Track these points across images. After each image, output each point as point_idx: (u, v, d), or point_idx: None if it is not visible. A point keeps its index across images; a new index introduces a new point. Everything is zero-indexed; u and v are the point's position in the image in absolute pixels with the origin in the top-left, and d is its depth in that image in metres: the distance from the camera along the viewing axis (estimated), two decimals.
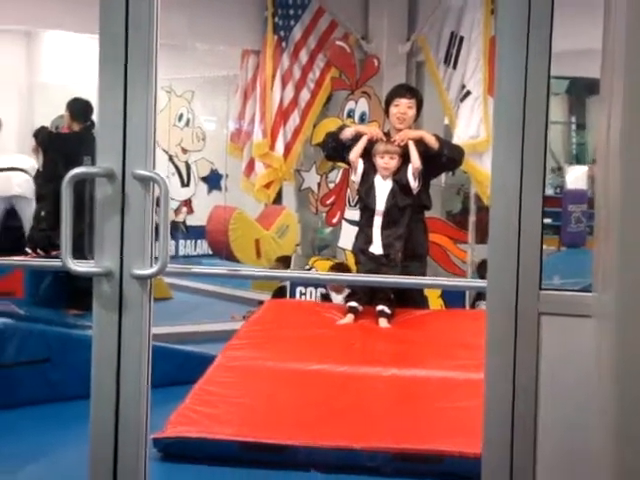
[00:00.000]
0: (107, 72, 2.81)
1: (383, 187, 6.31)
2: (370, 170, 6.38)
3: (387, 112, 6.51)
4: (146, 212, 2.79)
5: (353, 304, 6.32)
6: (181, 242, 13.80)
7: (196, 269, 2.80)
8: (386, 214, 6.28)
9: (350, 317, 6.28)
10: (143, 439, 2.86)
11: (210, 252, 12.92)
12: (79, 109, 9.55)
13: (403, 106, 6.36)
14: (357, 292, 6.37)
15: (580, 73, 10.40)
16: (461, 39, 8.35)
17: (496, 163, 2.69)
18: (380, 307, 6.21)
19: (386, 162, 6.29)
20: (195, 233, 14.00)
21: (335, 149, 6.57)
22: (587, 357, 2.53)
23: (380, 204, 6.29)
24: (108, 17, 2.79)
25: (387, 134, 6.42)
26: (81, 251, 2.83)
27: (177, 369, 5.98)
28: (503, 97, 2.65)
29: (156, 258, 2.80)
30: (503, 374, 2.65)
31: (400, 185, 6.28)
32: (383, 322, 6.20)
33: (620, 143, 1.56)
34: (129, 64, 2.79)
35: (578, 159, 15.71)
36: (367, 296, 6.28)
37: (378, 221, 6.30)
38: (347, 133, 6.48)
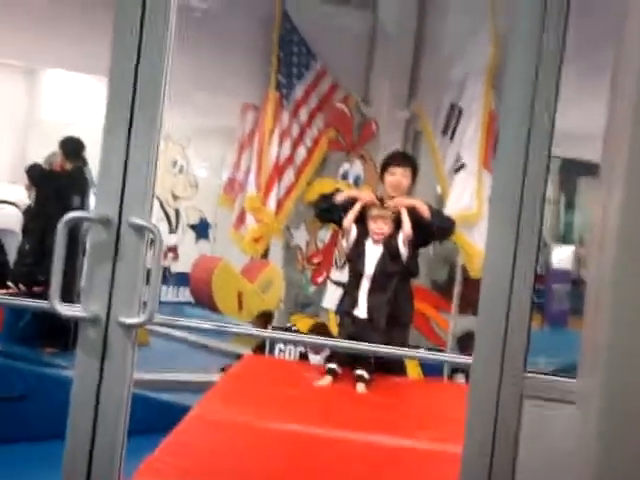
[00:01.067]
0: (113, 118, 2.82)
1: (373, 252, 6.32)
2: (362, 234, 6.39)
3: (382, 178, 6.53)
4: (139, 260, 2.79)
5: (332, 366, 6.29)
6: (164, 288, 13.77)
7: (183, 321, 2.79)
8: (374, 279, 6.27)
9: (328, 379, 6.25)
10: None
11: (192, 301, 12.88)
12: (72, 148, 9.58)
13: (398, 175, 6.39)
14: (337, 354, 6.35)
15: (571, 155, 10.48)
16: (460, 110, 8.41)
17: (491, 240, 2.70)
18: (359, 372, 6.18)
19: (379, 227, 6.30)
20: (179, 280, 13.97)
21: (327, 211, 6.58)
22: (569, 444, 2.52)
23: (369, 268, 6.29)
24: (119, 62, 2.81)
25: (381, 199, 6.44)
26: (66, 292, 2.81)
27: (151, 417, 5.94)
28: (502, 172, 2.68)
29: (144, 304, 2.79)
30: (482, 450, 2.64)
31: (390, 251, 6.29)
32: (360, 387, 6.17)
33: (620, 221, 1.56)
34: (135, 112, 2.80)
35: (565, 239, 15.78)
36: (347, 358, 6.26)
37: (366, 285, 6.29)
38: (340, 197, 6.49)
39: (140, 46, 2.79)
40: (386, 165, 6.51)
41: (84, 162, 9.56)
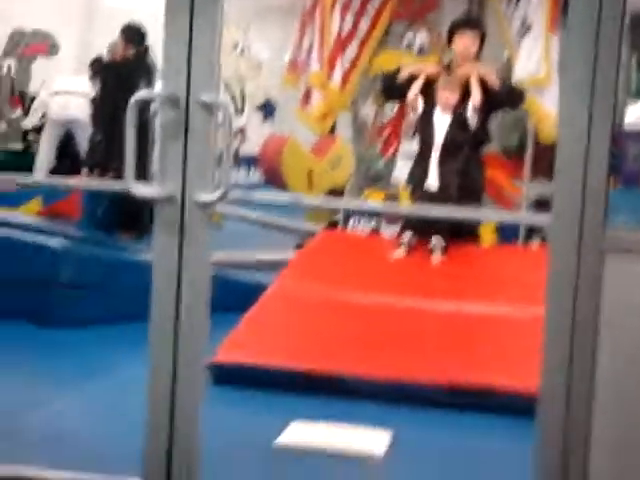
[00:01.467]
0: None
1: (442, 121, 6.25)
2: (429, 104, 6.31)
3: (449, 43, 6.40)
4: (209, 138, 2.78)
5: (406, 237, 6.28)
6: (234, 170, 13.82)
7: (258, 196, 2.79)
8: (444, 148, 6.22)
9: (402, 250, 6.24)
10: (201, 362, 2.90)
11: (261, 181, 12.92)
12: (132, 34, 9.57)
13: (467, 38, 6.25)
14: (410, 225, 6.32)
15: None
16: None
17: (565, 97, 2.64)
18: (434, 240, 6.16)
19: (447, 96, 6.21)
20: (247, 162, 14.01)
21: (392, 89, 6.50)
22: None
23: (439, 138, 6.23)
24: None
25: (448, 67, 6.33)
26: (139, 175, 2.83)
27: (228, 296, 6.00)
28: (574, 30, 2.60)
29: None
30: (563, 312, 2.63)
31: (459, 120, 6.21)
32: (436, 256, 6.16)
33: None
34: None
35: (637, 96, 15.42)
36: (421, 229, 6.24)
37: (436, 155, 6.25)
38: (404, 74, 6.40)
39: None
40: (453, 30, 6.36)
41: (146, 48, 9.54)
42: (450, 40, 6.38)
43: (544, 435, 2.67)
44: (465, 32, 6.27)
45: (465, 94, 6.21)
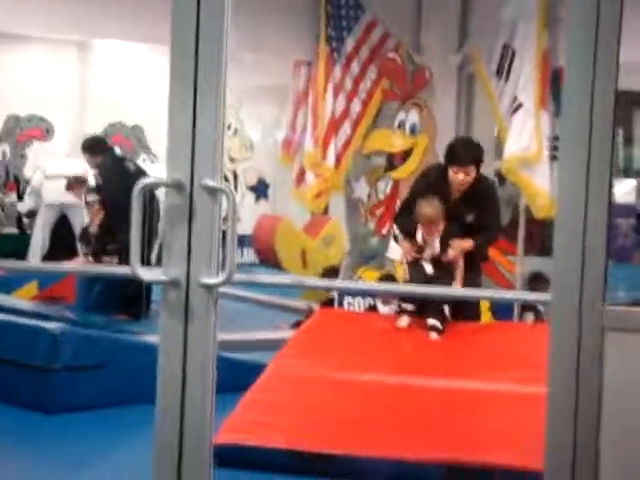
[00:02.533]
0: (177, 83, 2.84)
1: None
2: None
3: (446, 166, 6.41)
4: (213, 222, 2.83)
5: (409, 307, 6.30)
6: None
7: (262, 279, 2.83)
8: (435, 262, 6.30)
9: (406, 319, 6.27)
10: (207, 446, 2.90)
11: (256, 261, 12.97)
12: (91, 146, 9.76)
13: (462, 174, 6.29)
14: (409, 300, 6.34)
15: (625, 86, 10.30)
16: (513, 51, 8.32)
17: (563, 175, 2.69)
18: (431, 322, 6.19)
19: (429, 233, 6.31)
20: (240, 241, 14.06)
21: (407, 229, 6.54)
22: None
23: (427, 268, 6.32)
24: (179, 29, 2.83)
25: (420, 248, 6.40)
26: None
27: (228, 376, 5.99)
28: (570, 110, 2.66)
29: (222, 266, 2.83)
30: (566, 388, 2.65)
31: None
32: (433, 335, 6.19)
33: None
34: (199, 75, 2.82)
35: (625, 172, 15.60)
36: (420, 306, 6.27)
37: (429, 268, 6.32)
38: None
39: (199, 8, 2.81)
40: (449, 162, 6.36)
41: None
42: (447, 164, 6.39)
43: None
44: (460, 169, 6.28)
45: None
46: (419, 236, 6.32)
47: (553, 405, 2.67)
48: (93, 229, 9.59)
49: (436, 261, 6.27)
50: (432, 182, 6.38)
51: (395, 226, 6.55)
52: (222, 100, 2.85)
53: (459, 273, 6.21)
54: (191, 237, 2.83)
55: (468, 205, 6.28)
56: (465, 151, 6.41)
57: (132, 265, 2.80)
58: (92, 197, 9.65)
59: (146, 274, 2.84)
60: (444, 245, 6.21)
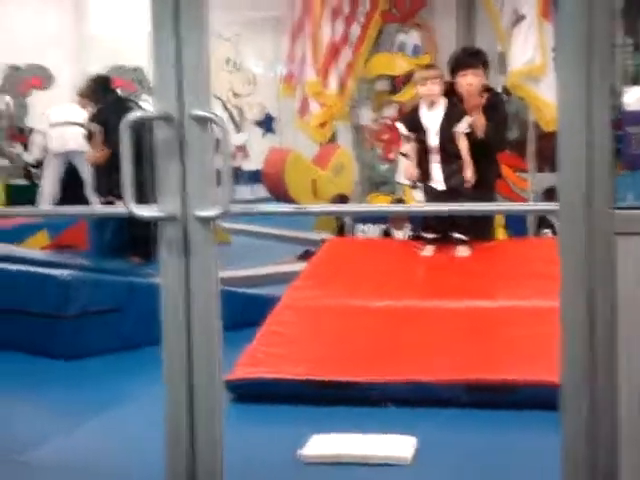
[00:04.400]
0: (159, 14, 2.77)
1: (432, 119, 6.16)
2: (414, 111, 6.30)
3: (453, 76, 6.30)
4: (206, 153, 2.76)
5: (431, 235, 6.22)
6: (237, 187, 13.81)
7: (260, 208, 2.76)
8: (442, 148, 6.14)
9: (430, 248, 6.19)
10: (217, 381, 2.86)
11: (267, 196, 12.91)
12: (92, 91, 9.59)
13: (470, 76, 6.18)
14: (430, 225, 6.25)
15: None
16: None
17: (562, 79, 2.60)
18: (457, 235, 6.10)
19: (428, 88, 6.13)
20: (251, 177, 14.00)
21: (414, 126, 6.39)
22: None
23: (433, 140, 6.15)
24: None
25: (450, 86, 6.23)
26: (144, 198, 2.82)
27: (242, 312, 5.97)
28: (567, 16, 2.56)
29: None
30: (579, 297, 2.58)
31: (451, 114, 6.13)
32: (462, 250, 6.08)
33: None
34: (181, 4, 2.74)
35: (635, 80, 15.40)
36: (442, 228, 6.17)
37: (435, 157, 6.17)
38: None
39: None
40: (455, 68, 6.27)
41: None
42: (453, 75, 6.28)
43: (569, 428, 2.62)
44: (467, 71, 6.18)
45: (450, 87, 6.14)
46: (423, 116, 6.17)
47: (567, 316, 2.61)
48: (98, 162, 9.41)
49: (446, 163, 6.13)
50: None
51: (400, 126, 6.41)
52: (206, 27, 2.77)
53: (468, 166, 6.08)
54: (185, 170, 2.77)
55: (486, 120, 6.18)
56: (470, 54, 6.44)
57: (126, 203, 2.74)
58: (94, 126, 9.49)
59: (141, 211, 2.78)
60: (450, 123, 6.09)
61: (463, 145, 6.06)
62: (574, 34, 2.55)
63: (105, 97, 9.63)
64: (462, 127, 6.07)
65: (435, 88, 6.10)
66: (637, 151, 11.96)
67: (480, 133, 6.11)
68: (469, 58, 6.32)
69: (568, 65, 2.58)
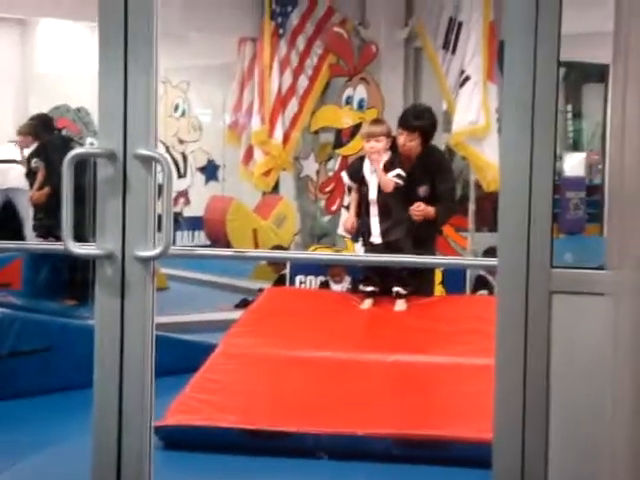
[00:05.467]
0: (107, 54, 2.76)
1: (373, 172, 6.18)
2: (358, 164, 6.32)
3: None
4: (148, 193, 2.73)
5: (370, 288, 6.21)
6: (178, 233, 13.74)
7: (200, 251, 2.74)
8: (381, 201, 6.15)
9: (369, 302, 6.18)
10: (147, 427, 2.81)
11: (207, 243, 12.87)
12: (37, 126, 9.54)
13: (403, 136, 6.22)
14: (369, 278, 6.25)
15: (575, 58, 10.30)
16: (460, 24, 8.28)
17: (506, 142, 2.64)
18: (396, 288, 6.10)
19: (372, 146, 6.15)
20: (192, 224, 13.93)
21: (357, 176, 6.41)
22: (600, 337, 2.49)
23: (372, 192, 6.17)
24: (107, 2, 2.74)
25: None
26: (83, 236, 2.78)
27: (177, 358, 5.91)
28: (512, 81, 2.61)
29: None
30: (514, 355, 2.60)
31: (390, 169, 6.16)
32: (400, 304, 6.08)
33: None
34: (129, 46, 2.73)
35: (575, 146, 15.68)
36: (379, 282, 6.17)
37: (374, 210, 6.18)
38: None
39: None
40: (398, 126, 6.33)
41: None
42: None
43: None
44: (402, 132, 6.24)
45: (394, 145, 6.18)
46: (366, 170, 6.17)
47: (501, 371, 2.62)
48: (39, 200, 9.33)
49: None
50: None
51: (344, 175, 6.43)
52: (154, 68, 2.76)
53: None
54: (125, 209, 2.74)
55: (421, 176, 6.21)
56: (410, 116, 6.38)
57: (64, 240, 2.71)
58: (36, 162, 9.43)
59: (79, 249, 2.74)
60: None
61: (389, 186, 6.07)
62: (518, 99, 2.59)
63: (47, 135, 9.56)
64: (391, 174, 6.08)
65: (379, 145, 6.12)
66: (574, 216, 12.16)
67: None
68: (408, 119, 6.30)
69: (512, 128, 2.62)
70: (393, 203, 6.14)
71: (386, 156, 6.12)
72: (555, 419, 2.57)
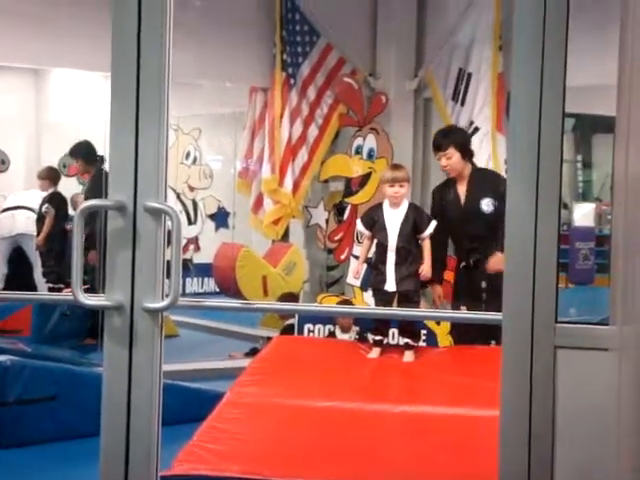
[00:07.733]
0: (118, 105, 2.79)
1: (393, 219, 6.18)
2: (377, 208, 6.33)
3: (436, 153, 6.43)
4: (157, 245, 2.76)
5: (378, 338, 6.21)
6: (188, 280, 13.76)
7: (208, 302, 2.77)
8: (398, 250, 6.14)
9: (377, 351, 6.18)
10: (154, 477, 2.81)
11: (217, 290, 12.87)
12: (87, 152, 9.57)
13: (443, 158, 6.30)
14: (378, 327, 6.25)
15: (585, 110, 10.39)
16: (469, 75, 8.36)
17: (511, 195, 2.66)
18: (405, 340, 6.11)
19: (395, 191, 6.17)
20: (202, 271, 13.95)
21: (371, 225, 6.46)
22: (605, 393, 2.50)
23: (392, 240, 6.15)
24: (120, 52, 2.78)
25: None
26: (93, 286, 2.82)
27: (185, 406, 5.92)
28: (518, 131, 2.64)
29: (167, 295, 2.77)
30: (519, 410, 2.61)
31: (412, 216, 6.17)
32: (408, 355, 6.08)
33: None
34: (141, 97, 2.77)
35: (584, 196, 15.71)
36: (388, 332, 6.19)
37: (392, 258, 6.16)
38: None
39: (140, 37, 2.76)
40: (433, 147, 6.44)
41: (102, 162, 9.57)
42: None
43: None
44: (438, 153, 6.32)
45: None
46: (387, 217, 6.18)
47: (506, 425, 2.63)
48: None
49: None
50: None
51: (359, 223, 6.47)
52: (165, 120, 2.80)
53: (428, 264, 6.12)
54: (135, 261, 2.77)
55: (480, 193, 6.26)
56: (439, 136, 6.51)
57: (73, 291, 2.73)
58: (47, 208, 9.57)
59: (88, 300, 2.77)
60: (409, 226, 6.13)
61: (427, 247, 6.11)
62: (524, 149, 2.62)
63: (94, 167, 9.61)
64: (429, 231, 6.11)
65: (403, 190, 6.14)
66: (583, 266, 12.15)
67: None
68: (440, 139, 6.42)
69: (518, 179, 2.65)
70: (410, 251, 6.14)
71: (405, 203, 6.15)
72: (560, 476, 2.57)
